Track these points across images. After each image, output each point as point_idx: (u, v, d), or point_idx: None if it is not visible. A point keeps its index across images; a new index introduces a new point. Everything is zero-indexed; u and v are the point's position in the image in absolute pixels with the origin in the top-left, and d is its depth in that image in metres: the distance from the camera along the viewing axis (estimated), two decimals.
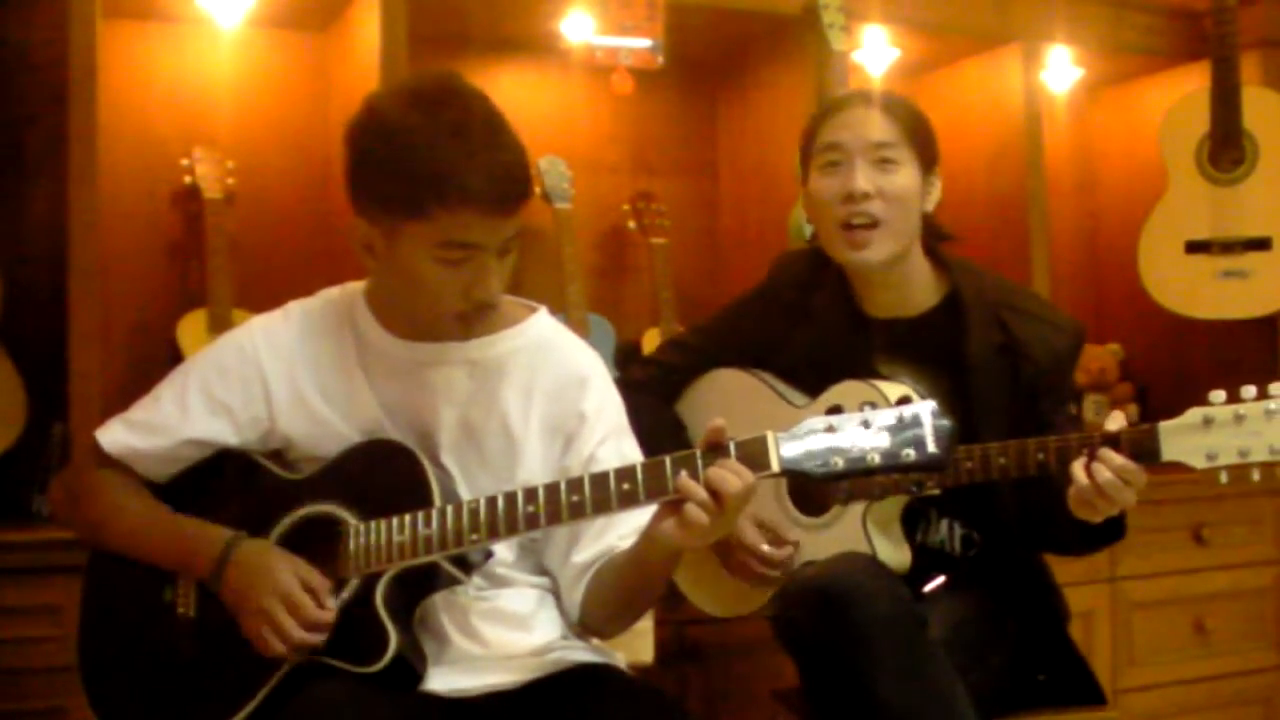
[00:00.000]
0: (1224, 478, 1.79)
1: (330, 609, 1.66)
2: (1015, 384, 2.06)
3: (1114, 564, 3.21)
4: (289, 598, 1.65)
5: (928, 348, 2.11)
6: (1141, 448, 1.79)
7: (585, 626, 1.83)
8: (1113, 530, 1.93)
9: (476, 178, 1.62)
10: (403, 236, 1.67)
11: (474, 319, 1.75)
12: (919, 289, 2.14)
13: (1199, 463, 1.78)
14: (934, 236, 2.16)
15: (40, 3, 2.73)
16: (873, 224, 2.05)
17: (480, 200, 1.63)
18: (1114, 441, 1.81)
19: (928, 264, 2.14)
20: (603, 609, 1.81)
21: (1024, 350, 2.06)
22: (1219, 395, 1.77)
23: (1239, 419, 1.75)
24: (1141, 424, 1.82)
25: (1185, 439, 1.78)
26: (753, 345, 2.22)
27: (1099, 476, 1.78)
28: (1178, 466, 1.80)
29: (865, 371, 2.07)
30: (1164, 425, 1.80)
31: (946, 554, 2.13)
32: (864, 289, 2.15)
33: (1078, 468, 1.81)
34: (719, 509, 1.55)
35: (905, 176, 2.07)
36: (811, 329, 2.17)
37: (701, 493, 1.56)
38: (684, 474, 1.57)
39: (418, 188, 1.63)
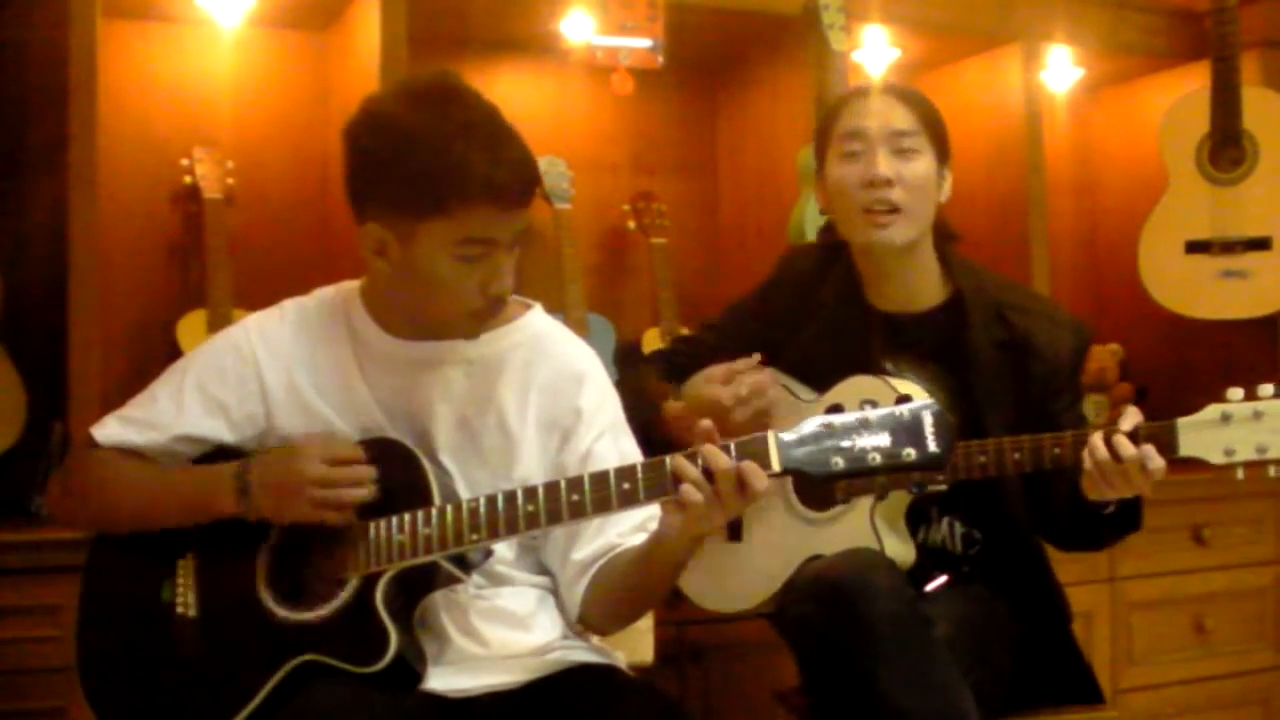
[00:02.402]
0: (1241, 474, 1.80)
1: (359, 454, 1.70)
2: (1022, 380, 2.07)
3: (1114, 564, 3.20)
4: (325, 481, 1.67)
5: (931, 343, 2.13)
6: (1159, 442, 1.80)
7: (585, 624, 1.83)
8: (1128, 520, 1.94)
9: (496, 172, 1.63)
10: (420, 236, 1.66)
11: (487, 315, 1.75)
12: (926, 284, 2.16)
13: (1216, 458, 1.78)
14: (943, 237, 2.18)
15: (40, 3, 2.72)
16: (893, 210, 2.07)
17: (499, 194, 1.64)
18: (1131, 437, 1.81)
19: (935, 262, 2.17)
20: (605, 607, 1.80)
21: (1030, 347, 2.08)
22: (1237, 392, 1.78)
23: (1258, 415, 1.76)
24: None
25: (1203, 434, 1.78)
26: (761, 341, 2.22)
27: (1122, 451, 1.78)
28: (1190, 463, 1.80)
29: (870, 366, 2.09)
30: (1182, 421, 1.80)
31: (948, 553, 2.13)
32: (874, 280, 2.17)
33: (1097, 441, 1.80)
34: (714, 490, 1.55)
35: (924, 165, 2.10)
36: (819, 322, 2.18)
37: (694, 470, 1.56)
38: (679, 455, 1.58)
39: (437, 185, 1.63)
